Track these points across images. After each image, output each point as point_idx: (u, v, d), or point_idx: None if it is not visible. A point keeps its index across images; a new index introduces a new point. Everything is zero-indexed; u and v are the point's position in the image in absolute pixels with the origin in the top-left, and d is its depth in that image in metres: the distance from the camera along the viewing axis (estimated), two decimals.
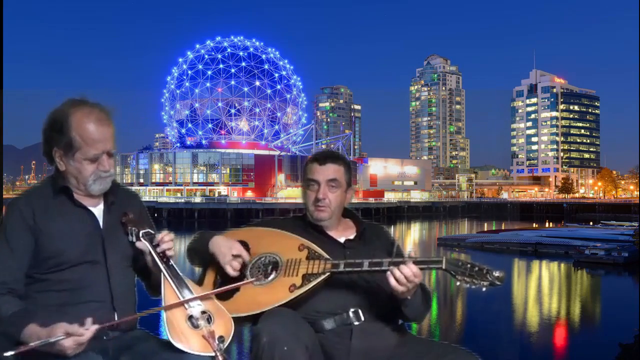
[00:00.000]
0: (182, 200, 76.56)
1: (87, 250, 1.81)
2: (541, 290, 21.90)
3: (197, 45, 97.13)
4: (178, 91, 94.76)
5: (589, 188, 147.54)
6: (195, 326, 1.74)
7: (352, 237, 2.09)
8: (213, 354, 1.69)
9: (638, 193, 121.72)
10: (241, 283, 1.95)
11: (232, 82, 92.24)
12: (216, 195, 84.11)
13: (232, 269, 1.96)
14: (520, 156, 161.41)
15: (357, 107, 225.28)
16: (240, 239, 2.07)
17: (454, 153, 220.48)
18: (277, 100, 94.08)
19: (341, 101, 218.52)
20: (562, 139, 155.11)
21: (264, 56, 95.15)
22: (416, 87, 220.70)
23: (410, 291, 1.85)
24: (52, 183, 1.87)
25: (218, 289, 1.92)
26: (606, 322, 16.57)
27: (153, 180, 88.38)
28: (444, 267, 1.80)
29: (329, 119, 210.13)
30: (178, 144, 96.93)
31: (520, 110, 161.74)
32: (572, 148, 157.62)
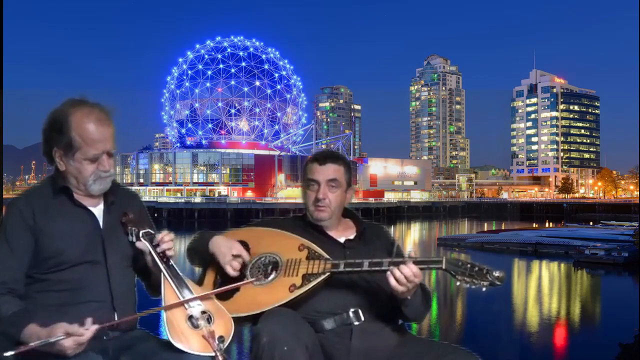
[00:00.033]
0: (182, 200, 76.57)
1: (87, 250, 1.81)
2: (541, 290, 21.90)
3: (197, 45, 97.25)
4: (178, 91, 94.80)
5: (589, 188, 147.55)
6: (195, 326, 1.74)
7: (352, 237, 2.09)
8: (213, 354, 1.69)
9: (638, 193, 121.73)
10: (241, 283, 1.95)
11: (232, 82, 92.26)
12: (216, 195, 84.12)
13: (232, 269, 1.96)
14: (520, 156, 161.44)
15: (357, 107, 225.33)
16: (240, 239, 2.07)
17: (454, 153, 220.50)
18: (277, 100, 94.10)
19: (341, 101, 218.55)
20: (562, 139, 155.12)
21: (264, 56, 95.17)
22: (416, 87, 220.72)
23: (410, 291, 1.85)
24: (52, 183, 1.86)
25: (218, 289, 1.92)
26: (606, 322, 16.57)
27: (153, 180, 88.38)
28: (444, 267, 1.80)
29: (329, 119, 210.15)
30: (178, 144, 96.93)
31: (520, 110, 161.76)
32: (572, 148, 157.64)
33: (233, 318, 1.83)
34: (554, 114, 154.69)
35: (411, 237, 48.33)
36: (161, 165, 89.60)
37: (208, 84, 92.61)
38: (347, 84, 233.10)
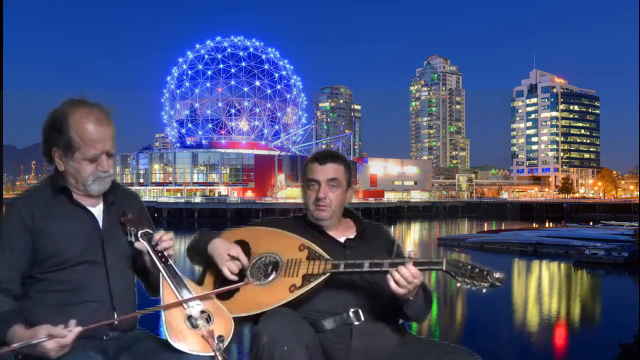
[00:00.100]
0: (182, 200, 76.57)
1: (87, 250, 1.81)
2: (541, 290, 21.90)
3: (197, 45, 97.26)
4: (178, 91, 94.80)
5: (589, 188, 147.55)
6: (194, 326, 1.74)
7: (352, 236, 2.09)
8: (212, 354, 1.68)
9: (638, 193, 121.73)
10: (241, 284, 1.95)
11: (232, 82, 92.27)
12: (216, 195, 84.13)
13: (229, 272, 1.96)
14: (520, 156, 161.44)
15: (357, 107, 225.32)
16: (240, 239, 2.07)
17: (454, 153, 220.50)
18: (277, 100, 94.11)
19: (341, 101, 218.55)
20: (562, 139, 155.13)
21: (264, 56, 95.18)
22: (416, 87, 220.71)
23: (411, 292, 1.85)
24: (52, 183, 1.86)
25: (217, 289, 1.92)
26: (606, 322, 16.57)
27: (153, 180, 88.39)
28: (444, 268, 1.80)
29: (329, 119, 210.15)
30: (178, 144, 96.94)
31: (520, 110, 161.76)
32: (572, 148, 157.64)
33: (233, 318, 1.83)
34: (554, 114, 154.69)
35: (411, 237, 48.33)
36: (161, 165, 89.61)
37: (208, 84, 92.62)
38: (347, 84, 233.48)
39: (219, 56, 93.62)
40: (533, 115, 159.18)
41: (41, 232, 1.78)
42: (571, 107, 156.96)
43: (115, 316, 1.80)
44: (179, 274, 1.84)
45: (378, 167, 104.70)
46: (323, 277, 1.89)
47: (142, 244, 1.86)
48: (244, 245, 2.05)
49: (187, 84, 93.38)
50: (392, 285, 1.82)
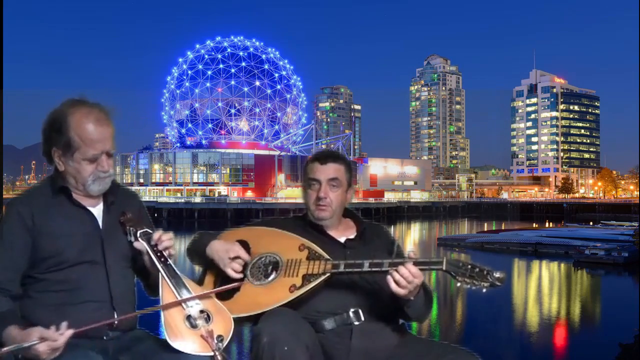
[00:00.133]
0: (182, 200, 76.58)
1: (86, 250, 1.81)
2: (541, 290, 21.90)
3: (197, 45, 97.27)
4: (178, 91, 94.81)
5: (589, 188, 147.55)
6: (194, 326, 1.74)
7: (352, 236, 2.09)
8: (212, 354, 1.68)
9: (638, 193, 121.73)
10: (238, 284, 1.94)
11: (232, 82, 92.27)
12: (216, 195, 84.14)
13: (233, 272, 1.96)
14: (520, 156, 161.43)
15: (357, 107, 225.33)
16: (240, 238, 2.07)
17: (454, 153, 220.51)
18: (277, 100, 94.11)
19: (341, 101, 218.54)
20: (562, 139, 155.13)
21: (264, 56, 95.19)
22: (416, 87, 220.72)
23: (412, 292, 1.85)
24: (51, 183, 1.86)
25: (215, 289, 1.91)
26: (606, 322, 16.58)
27: (153, 180, 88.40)
28: (444, 268, 1.79)
29: (329, 119, 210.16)
30: (178, 144, 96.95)
31: (520, 110, 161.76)
32: (572, 148, 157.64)
33: (233, 318, 1.83)
34: (554, 114, 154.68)
35: (411, 237, 48.33)
36: (161, 165, 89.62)
37: (208, 84, 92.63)
38: (347, 84, 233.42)
39: (219, 56, 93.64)
40: (533, 115, 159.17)
41: (41, 232, 1.77)
42: (571, 107, 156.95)
43: (115, 316, 1.79)
44: (179, 273, 1.84)
45: (378, 167, 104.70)
46: (323, 277, 1.89)
47: (141, 244, 1.86)
48: (244, 245, 2.05)
49: (187, 84, 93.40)
50: (392, 285, 1.82)
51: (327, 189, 2.06)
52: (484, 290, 1.75)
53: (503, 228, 49.16)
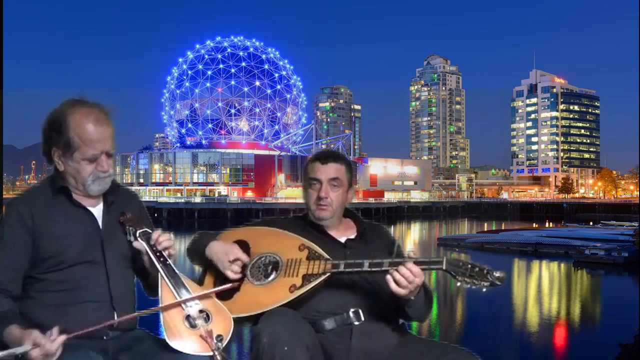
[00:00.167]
0: (182, 200, 76.60)
1: (86, 251, 1.81)
2: (541, 290, 21.91)
3: (197, 45, 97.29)
4: (178, 91, 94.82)
5: (589, 188, 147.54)
6: (193, 326, 1.73)
7: (352, 236, 2.09)
8: (211, 354, 1.68)
9: (638, 193, 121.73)
10: (236, 284, 1.94)
11: (232, 82, 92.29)
12: (216, 195, 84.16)
13: (232, 274, 1.96)
14: (520, 156, 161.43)
15: (357, 107, 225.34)
16: (240, 238, 2.07)
17: (454, 153, 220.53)
18: (277, 100, 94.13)
19: (341, 101, 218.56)
20: (562, 139, 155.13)
21: (264, 56, 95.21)
22: (416, 87, 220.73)
23: (412, 292, 1.84)
24: (51, 183, 1.86)
25: (214, 289, 1.91)
26: (606, 322, 16.58)
27: (153, 180, 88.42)
28: (444, 267, 1.79)
29: (329, 119, 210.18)
30: (178, 144, 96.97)
31: (520, 110, 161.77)
32: (572, 148, 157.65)
33: (233, 318, 1.83)
34: (554, 114, 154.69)
35: (411, 237, 48.33)
36: (161, 165, 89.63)
37: (208, 84, 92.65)
38: (347, 84, 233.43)
39: (219, 56, 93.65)
40: (533, 115, 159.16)
41: (41, 232, 1.77)
42: (571, 107, 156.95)
43: (115, 316, 1.79)
44: (178, 273, 1.84)
45: (378, 167, 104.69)
46: (323, 277, 1.89)
47: (140, 244, 1.86)
48: (244, 245, 2.05)
49: (187, 84, 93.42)
50: (392, 285, 1.81)
51: (328, 188, 2.06)
52: (484, 289, 1.75)
53: (503, 228, 49.16)
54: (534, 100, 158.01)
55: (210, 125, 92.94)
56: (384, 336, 1.93)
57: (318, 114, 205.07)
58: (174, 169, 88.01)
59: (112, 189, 1.91)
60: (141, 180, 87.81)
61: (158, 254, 1.85)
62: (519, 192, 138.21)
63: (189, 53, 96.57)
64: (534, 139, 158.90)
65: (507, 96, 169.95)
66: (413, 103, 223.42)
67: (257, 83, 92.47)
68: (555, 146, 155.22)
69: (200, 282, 2.01)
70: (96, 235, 1.85)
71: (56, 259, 1.77)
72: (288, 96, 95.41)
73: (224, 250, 1.98)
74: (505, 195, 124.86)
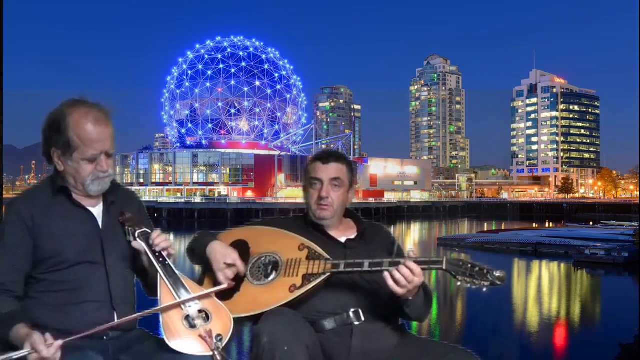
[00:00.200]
0: (182, 200, 76.60)
1: (86, 251, 1.81)
2: (541, 290, 21.91)
3: (197, 45, 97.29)
4: (178, 91, 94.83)
5: (589, 188, 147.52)
6: (192, 326, 1.73)
7: (353, 236, 2.09)
8: (211, 353, 1.68)
9: (638, 193, 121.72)
10: (233, 283, 1.94)
11: (232, 82, 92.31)
12: (216, 195, 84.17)
13: (223, 277, 1.95)
14: (520, 156, 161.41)
15: (357, 107, 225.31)
16: (239, 238, 2.07)
17: (454, 153, 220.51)
18: (277, 100, 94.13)
19: (341, 101, 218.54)
20: (562, 139, 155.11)
21: (264, 56, 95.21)
22: (416, 87, 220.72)
23: (411, 292, 1.84)
24: (51, 183, 1.86)
25: (213, 289, 1.90)
26: (606, 322, 16.58)
27: (153, 180, 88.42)
28: (444, 267, 1.79)
29: (329, 119, 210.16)
30: (178, 144, 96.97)
31: (520, 110, 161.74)
32: (572, 148, 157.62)
33: (233, 318, 1.82)
34: (554, 114, 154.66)
35: (411, 237, 48.33)
36: (161, 165, 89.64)
37: (208, 84, 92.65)
38: (347, 84, 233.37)
39: (219, 56, 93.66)
40: (533, 115, 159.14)
41: (41, 232, 1.77)
42: (571, 107, 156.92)
43: (115, 316, 1.79)
44: (177, 273, 1.83)
45: (378, 167, 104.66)
46: (323, 277, 1.89)
47: (139, 244, 1.85)
48: (244, 245, 2.05)
49: (187, 84, 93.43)
50: (390, 283, 1.81)
51: (329, 188, 2.06)
52: (484, 289, 1.74)
53: (503, 228, 49.16)
54: (534, 100, 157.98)
55: (210, 125, 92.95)
56: (384, 336, 1.93)
57: (318, 114, 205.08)
58: (174, 169, 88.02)
59: (112, 189, 1.91)
60: (141, 180, 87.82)
61: (157, 254, 1.84)
62: (519, 192, 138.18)
63: (189, 53, 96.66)
64: (534, 139, 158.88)
65: (507, 96, 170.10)
66: (413, 103, 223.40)
67: (257, 83, 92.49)
68: (555, 146, 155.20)
69: (200, 282, 2.01)
70: (96, 235, 1.84)
71: (56, 259, 1.77)
72: (288, 96, 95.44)
73: (223, 252, 1.98)
74: (505, 195, 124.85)
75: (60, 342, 1.57)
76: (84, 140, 1.78)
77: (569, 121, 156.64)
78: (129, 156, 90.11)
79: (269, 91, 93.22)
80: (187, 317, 1.74)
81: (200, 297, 1.81)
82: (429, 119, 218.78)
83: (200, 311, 1.77)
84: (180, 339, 1.70)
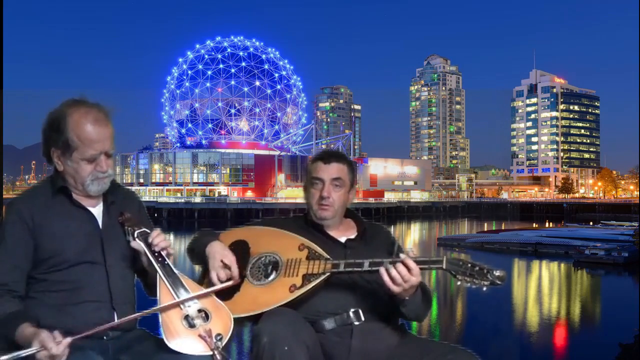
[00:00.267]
0: (182, 200, 76.58)
1: (86, 251, 1.81)
2: (541, 290, 21.90)
3: (197, 45, 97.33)
4: (178, 91, 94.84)
5: (589, 188, 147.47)
6: (192, 325, 1.73)
7: (353, 237, 2.09)
8: (211, 353, 1.67)
9: (638, 193, 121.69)
10: (228, 284, 1.94)
11: (232, 82, 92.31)
12: (216, 195, 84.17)
13: (215, 276, 1.94)
14: (520, 156, 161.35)
15: (357, 107, 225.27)
16: (239, 238, 2.07)
17: (454, 153, 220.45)
18: (277, 100, 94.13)
19: (341, 101, 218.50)
20: (562, 139, 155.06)
21: (264, 56, 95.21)
22: (416, 87, 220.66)
23: (407, 291, 1.84)
24: (51, 183, 1.86)
25: (212, 288, 1.89)
26: (606, 322, 16.58)
27: (153, 180, 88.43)
28: (444, 267, 1.79)
29: (329, 119, 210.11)
30: (178, 144, 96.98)
31: (520, 110, 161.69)
32: (572, 148, 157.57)
33: (233, 318, 1.82)
34: (554, 114, 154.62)
35: (411, 237, 48.32)
36: (161, 165, 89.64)
37: (208, 84, 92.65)
38: (347, 84, 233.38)
39: (219, 56, 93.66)
40: (533, 115, 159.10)
41: (41, 232, 1.77)
42: (571, 107, 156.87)
43: (115, 316, 1.79)
44: (176, 273, 1.83)
45: (378, 167, 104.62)
46: (323, 277, 1.89)
47: (138, 244, 1.85)
48: (244, 245, 2.05)
49: (187, 84, 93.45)
50: (386, 278, 1.81)
51: (330, 188, 2.06)
52: (484, 289, 1.74)
53: (503, 228, 49.15)
54: (534, 100, 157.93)
55: (210, 125, 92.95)
56: (384, 336, 1.93)
57: (318, 114, 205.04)
58: (174, 169, 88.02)
59: (112, 189, 1.91)
60: (141, 180, 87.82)
61: (156, 254, 1.84)
62: (519, 192, 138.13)
63: (189, 53, 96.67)
64: (534, 139, 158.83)
65: (507, 96, 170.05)
66: (413, 103, 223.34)
67: (257, 83, 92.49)
68: (555, 146, 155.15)
69: (200, 281, 2.00)
70: (96, 235, 1.84)
71: (56, 259, 1.77)
72: (288, 96, 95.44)
73: (222, 253, 1.98)
74: (505, 195, 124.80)
75: (69, 339, 1.57)
76: (84, 140, 1.78)
77: (569, 121, 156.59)
78: (129, 156, 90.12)
79: (269, 91, 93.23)
80: (186, 317, 1.74)
81: (199, 297, 1.81)
82: (429, 119, 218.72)
83: (199, 311, 1.77)
84: (180, 339, 1.69)
